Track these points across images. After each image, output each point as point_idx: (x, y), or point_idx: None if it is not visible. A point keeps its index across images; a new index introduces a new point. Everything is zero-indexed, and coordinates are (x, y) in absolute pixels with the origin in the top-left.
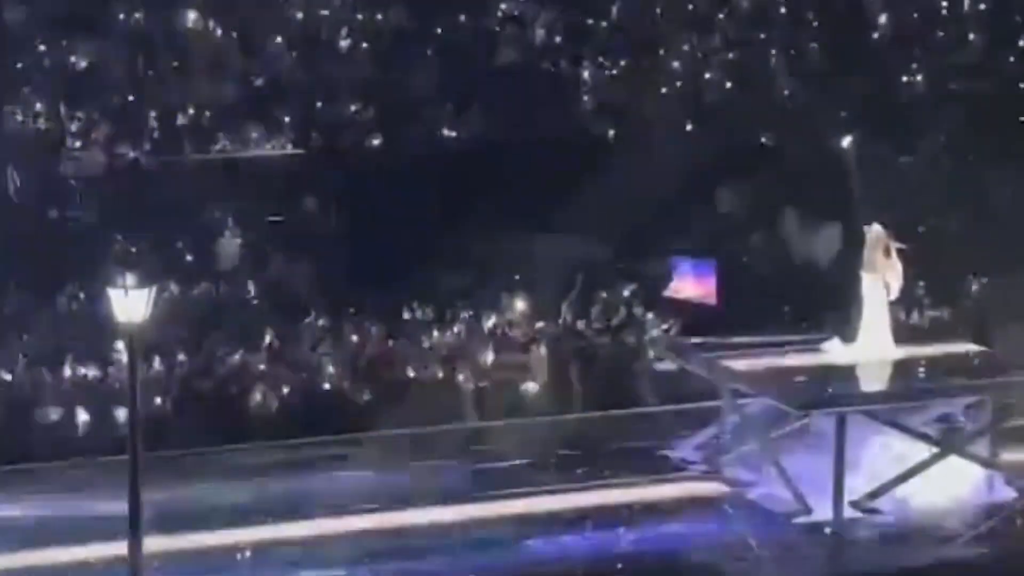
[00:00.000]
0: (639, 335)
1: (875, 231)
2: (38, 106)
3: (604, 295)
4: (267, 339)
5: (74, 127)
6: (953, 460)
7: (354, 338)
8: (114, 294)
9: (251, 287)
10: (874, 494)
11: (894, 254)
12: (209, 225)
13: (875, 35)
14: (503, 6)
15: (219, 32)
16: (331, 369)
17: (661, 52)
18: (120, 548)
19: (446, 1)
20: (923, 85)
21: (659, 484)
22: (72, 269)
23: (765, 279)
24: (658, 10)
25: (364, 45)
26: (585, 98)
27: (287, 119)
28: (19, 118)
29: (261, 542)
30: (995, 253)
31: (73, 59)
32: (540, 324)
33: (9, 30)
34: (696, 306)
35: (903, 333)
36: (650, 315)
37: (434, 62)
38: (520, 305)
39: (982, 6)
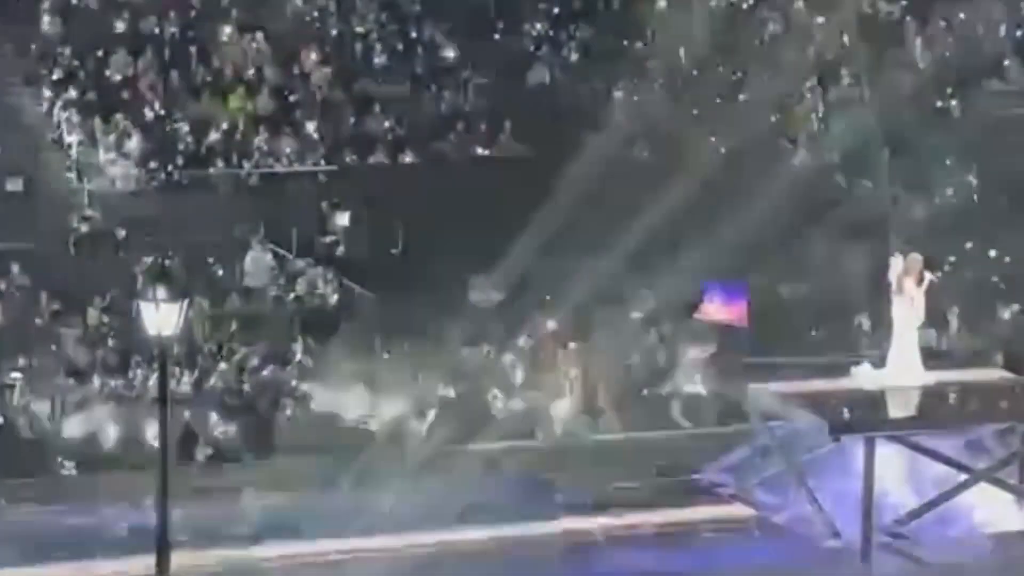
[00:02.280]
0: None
1: (911, 258)
2: (73, 118)
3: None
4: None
5: (108, 140)
6: (982, 487)
7: None
8: (146, 307)
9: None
10: (903, 520)
11: (924, 284)
12: (240, 240)
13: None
14: (538, 26)
15: (254, 47)
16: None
17: (695, 73)
18: None
19: (481, 20)
20: (958, 110)
21: (688, 507)
22: (104, 282)
23: (795, 302)
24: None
25: (399, 62)
26: (618, 119)
27: (320, 135)
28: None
29: None
30: None
31: (107, 72)
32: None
33: (45, 43)
34: (727, 329)
35: (933, 359)
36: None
37: (468, 80)
38: (551, 324)
39: (1019, 32)
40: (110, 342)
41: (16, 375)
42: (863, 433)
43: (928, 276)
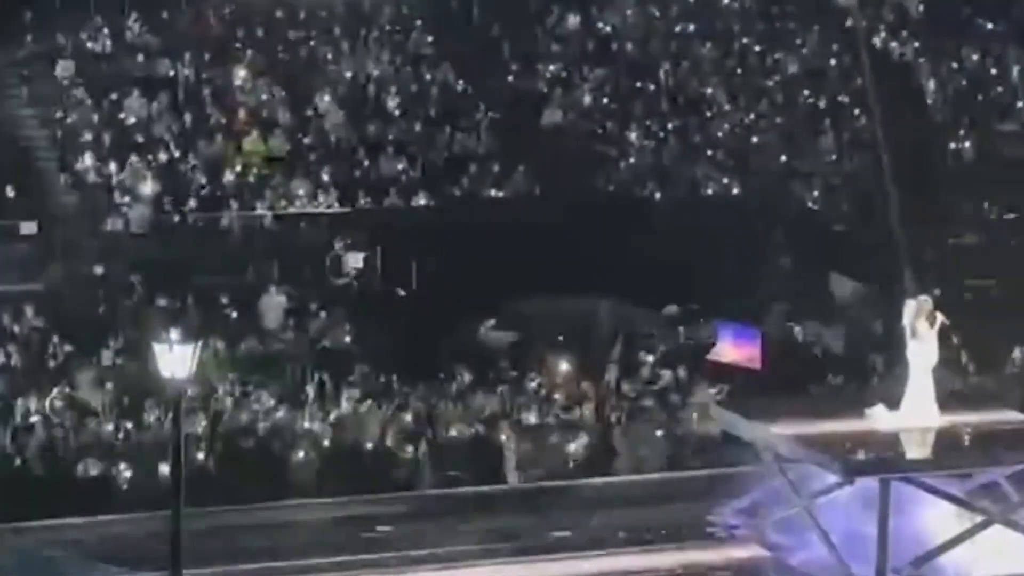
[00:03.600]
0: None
1: (921, 300)
2: (87, 161)
3: (648, 357)
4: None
5: (123, 183)
6: (997, 529)
7: None
8: (160, 349)
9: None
10: (918, 562)
11: (936, 326)
12: (254, 282)
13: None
14: (551, 68)
15: (267, 89)
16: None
17: (708, 115)
18: None
19: (494, 61)
20: (971, 152)
21: (701, 549)
22: (118, 324)
23: (809, 344)
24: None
25: (411, 104)
26: (631, 160)
27: (333, 177)
28: (69, 174)
29: None
30: None
31: (122, 115)
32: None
33: (59, 85)
34: (740, 370)
35: (947, 400)
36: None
37: (481, 122)
38: (564, 366)
39: None
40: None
41: (35, 417)
42: (877, 475)
43: (940, 317)
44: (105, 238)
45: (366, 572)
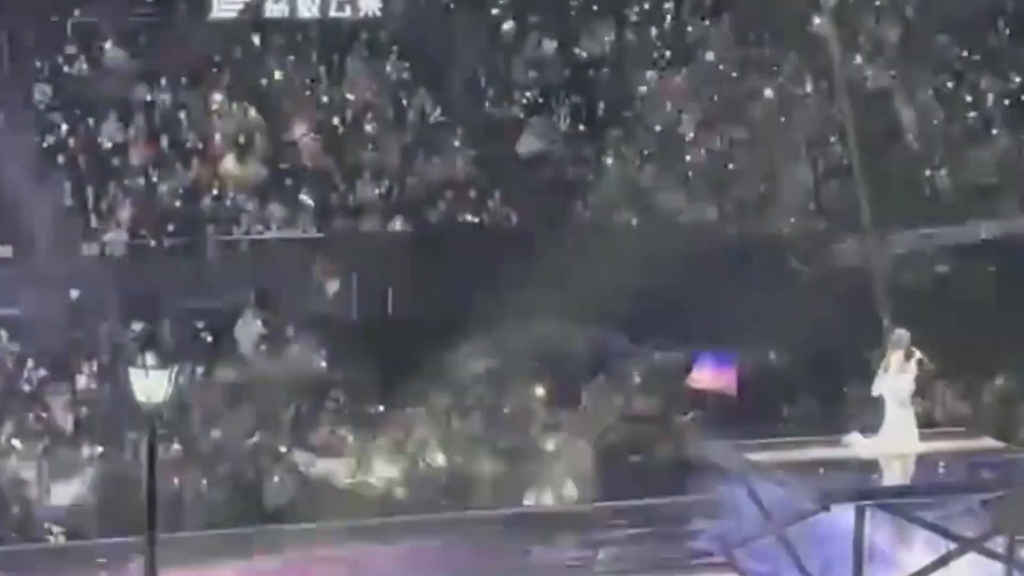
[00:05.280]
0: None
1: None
2: (63, 185)
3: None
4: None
5: (98, 207)
6: (971, 556)
7: None
8: (135, 374)
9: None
10: None
11: (913, 360)
12: (230, 306)
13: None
14: (528, 94)
15: (244, 114)
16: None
17: (685, 142)
18: None
19: (471, 87)
20: (947, 179)
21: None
22: (94, 349)
23: (786, 371)
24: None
25: (388, 129)
26: (607, 186)
27: (310, 202)
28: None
29: None
30: (1019, 349)
31: (99, 139)
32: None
33: (36, 109)
34: (716, 397)
35: (924, 428)
36: None
37: (457, 147)
38: (540, 392)
39: (1007, 101)
40: (99, 408)
41: (16, 442)
42: (853, 501)
43: (917, 354)
44: (80, 262)
45: None
